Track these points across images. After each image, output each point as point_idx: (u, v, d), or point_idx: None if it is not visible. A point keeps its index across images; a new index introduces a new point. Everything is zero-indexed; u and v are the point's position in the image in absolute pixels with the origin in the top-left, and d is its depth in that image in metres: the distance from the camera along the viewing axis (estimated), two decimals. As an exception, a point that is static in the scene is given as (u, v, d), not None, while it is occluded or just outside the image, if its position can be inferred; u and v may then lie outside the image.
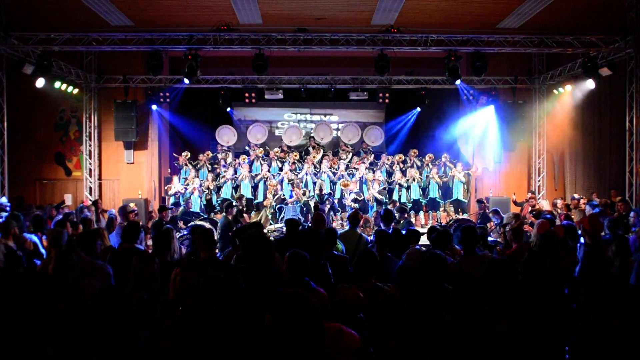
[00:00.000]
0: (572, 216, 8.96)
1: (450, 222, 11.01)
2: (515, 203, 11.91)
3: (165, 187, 13.23)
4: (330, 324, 2.48)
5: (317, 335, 1.99)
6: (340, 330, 2.48)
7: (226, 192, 12.99)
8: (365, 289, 3.36)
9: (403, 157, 13.78)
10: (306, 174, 13.10)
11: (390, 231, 5.82)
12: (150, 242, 6.11)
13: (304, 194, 12.46)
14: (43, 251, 5.95)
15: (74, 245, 4.66)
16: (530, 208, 10.93)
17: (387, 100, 14.11)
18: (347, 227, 6.32)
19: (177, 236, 6.79)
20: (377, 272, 3.62)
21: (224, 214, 9.02)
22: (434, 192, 12.97)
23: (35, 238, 6.19)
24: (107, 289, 3.85)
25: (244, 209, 11.39)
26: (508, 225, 5.86)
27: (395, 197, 12.63)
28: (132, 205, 10.74)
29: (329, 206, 11.81)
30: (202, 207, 12.63)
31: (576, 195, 11.44)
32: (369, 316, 3.11)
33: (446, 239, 4.90)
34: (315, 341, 1.98)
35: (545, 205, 12.03)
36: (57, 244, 4.78)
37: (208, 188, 12.85)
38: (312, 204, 11.76)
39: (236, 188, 13.13)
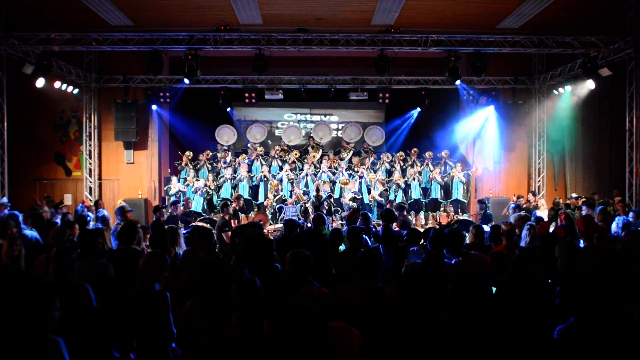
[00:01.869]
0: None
1: (451, 223, 11.00)
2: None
3: (165, 188, 13.23)
4: (333, 322, 2.50)
5: (316, 340, 2.00)
6: (342, 328, 2.50)
7: (225, 191, 12.98)
8: (364, 289, 3.35)
9: (403, 155, 13.76)
10: (306, 174, 13.09)
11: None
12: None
13: (303, 194, 12.44)
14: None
15: (72, 245, 4.67)
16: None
17: (387, 101, 14.11)
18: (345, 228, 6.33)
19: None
20: (377, 273, 3.62)
21: (221, 214, 9.04)
22: (436, 193, 12.95)
23: (34, 233, 6.21)
24: (108, 289, 3.85)
25: (239, 209, 11.38)
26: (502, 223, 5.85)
27: (391, 197, 12.62)
28: (120, 202, 10.87)
29: (327, 208, 11.78)
30: (205, 207, 12.62)
31: (574, 195, 11.41)
32: (368, 316, 3.11)
33: (442, 239, 4.86)
34: (315, 345, 1.99)
35: (544, 205, 12.03)
36: (59, 242, 4.80)
37: (209, 188, 12.84)
38: (309, 205, 11.73)
39: (235, 188, 13.12)
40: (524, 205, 11.27)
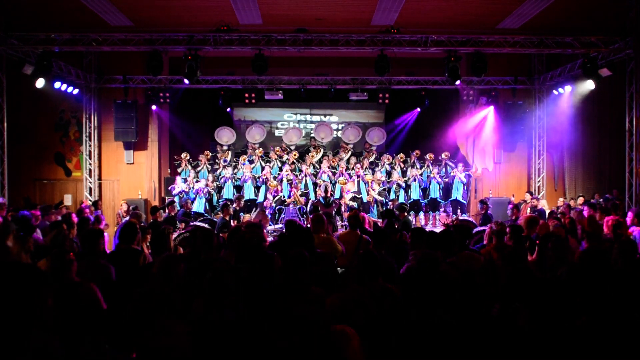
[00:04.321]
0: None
1: (452, 223, 10.98)
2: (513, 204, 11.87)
3: (169, 188, 13.19)
4: (336, 326, 2.51)
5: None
6: (344, 331, 2.51)
7: (227, 192, 12.95)
8: (374, 289, 3.34)
9: (404, 157, 13.75)
10: (305, 175, 13.08)
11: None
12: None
13: (301, 195, 12.42)
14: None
15: (69, 245, 4.67)
16: (530, 208, 10.94)
17: (387, 101, 14.10)
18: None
19: (174, 237, 6.76)
20: (382, 273, 3.61)
21: (221, 214, 9.03)
22: (435, 192, 12.94)
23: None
24: (109, 289, 3.84)
25: (240, 209, 11.35)
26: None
27: (392, 197, 12.61)
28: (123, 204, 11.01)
29: (335, 209, 11.74)
30: (207, 207, 12.58)
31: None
32: (378, 316, 3.12)
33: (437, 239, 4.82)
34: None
35: (545, 205, 12.02)
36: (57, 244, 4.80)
37: (210, 189, 12.82)
38: (308, 206, 11.71)
39: (238, 188, 13.09)
40: (523, 206, 11.28)
